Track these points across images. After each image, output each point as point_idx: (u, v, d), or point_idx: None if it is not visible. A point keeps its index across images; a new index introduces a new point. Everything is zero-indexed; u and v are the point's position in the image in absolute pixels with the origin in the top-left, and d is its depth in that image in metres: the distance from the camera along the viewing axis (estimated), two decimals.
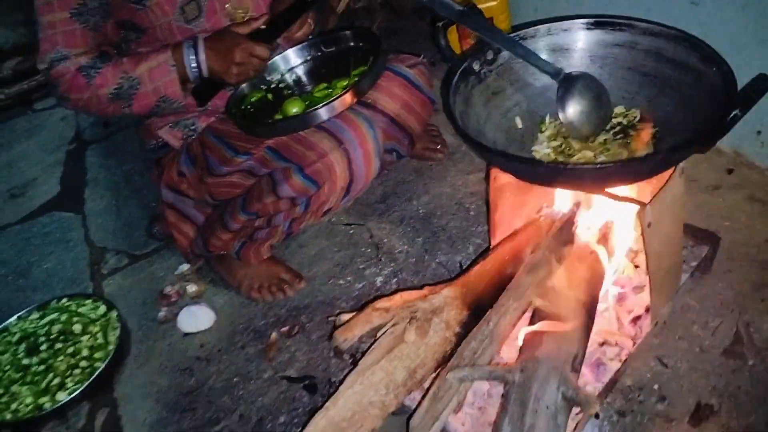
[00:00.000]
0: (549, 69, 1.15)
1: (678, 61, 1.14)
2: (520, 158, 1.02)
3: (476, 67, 1.20)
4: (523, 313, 1.08)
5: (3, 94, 2.83)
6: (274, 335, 1.49)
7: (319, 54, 1.59)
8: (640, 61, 1.19)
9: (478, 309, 1.13)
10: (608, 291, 1.23)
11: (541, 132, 1.22)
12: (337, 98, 1.32)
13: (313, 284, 1.60)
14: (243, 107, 1.50)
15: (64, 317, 1.60)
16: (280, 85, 1.55)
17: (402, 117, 1.53)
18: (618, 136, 1.15)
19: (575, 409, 1.09)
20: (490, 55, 1.21)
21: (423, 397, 1.01)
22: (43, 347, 1.53)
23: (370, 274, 1.59)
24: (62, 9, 1.29)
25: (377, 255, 1.64)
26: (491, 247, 1.27)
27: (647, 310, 1.18)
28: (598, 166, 1.01)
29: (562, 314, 1.02)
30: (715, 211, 1.47)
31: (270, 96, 1.53)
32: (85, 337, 1.55)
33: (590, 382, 1.14)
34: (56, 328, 1.57)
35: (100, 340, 1.54)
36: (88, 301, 1.66)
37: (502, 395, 1.01)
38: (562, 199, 1.22)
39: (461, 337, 1.11)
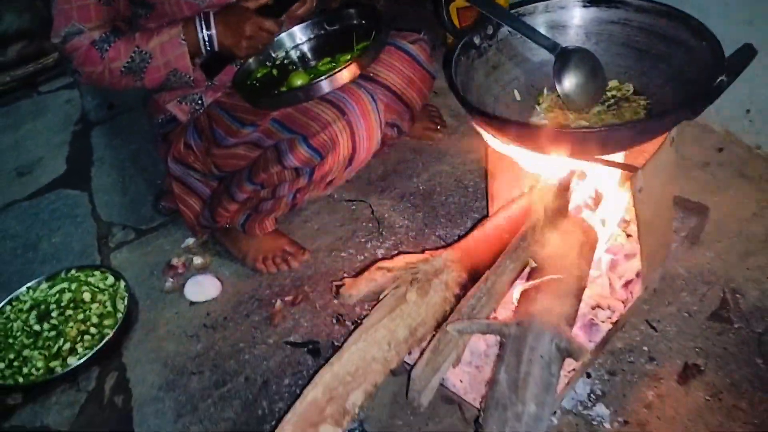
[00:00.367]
0: (546, 43, 1.20)
1: (669, 36, 1.19)
2: (518, 123, 1.07)
3: (477, 41, 1.25)
4: (520, 273, 1.13)
5: (9, 77, 2.86)
6: (278, 304, 1.54)
7: (323, 32, 1.64)
8: (633, 37, 1.25)
9: (476, 272, 1.18)
10: (601, 258, 1.29)
11: (539, 105, 1.27)
12: (339, 70, 1.36)
13: (316, 257, 1.65)
14: (249, 82, 1.55)
15: (73, 286, 1.65)
16: (285, 62, 1.60)
17: (403, 90, 1.59)
18: (612, 108, 1.21)
19: (567, 367, 1.15)
20: (490, 30, 1.26)
21: (424, 350, 1.06)
22: (54, 314, 1.58)
23: (372, 247, 1.64)
24: None
25: (378, 229, 1.69)
26: (489, 215, 1.32)
27: (638, 275, 1.23)
28: (593, 129, 1.06)
29: (557, 273, 1.07)
30: (704, 187, 1.52)
31: (275, 72, 1.57)
32: (94, 305, 1.59)
33: (583, 342, 1.19)
34: (66, 296, 1.62)
35: (109, 309, 1.59)
36: (97, 272, 1.70)
37: (499, 347, 1.06)
38: (557, 170, 1.27)
39: (460, 298, 1.16)
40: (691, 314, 1.28)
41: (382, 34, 1.47)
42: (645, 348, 1.24)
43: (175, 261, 1.72)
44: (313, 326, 1.47)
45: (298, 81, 1.46)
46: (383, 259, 1.25)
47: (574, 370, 1.16)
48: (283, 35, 1.62)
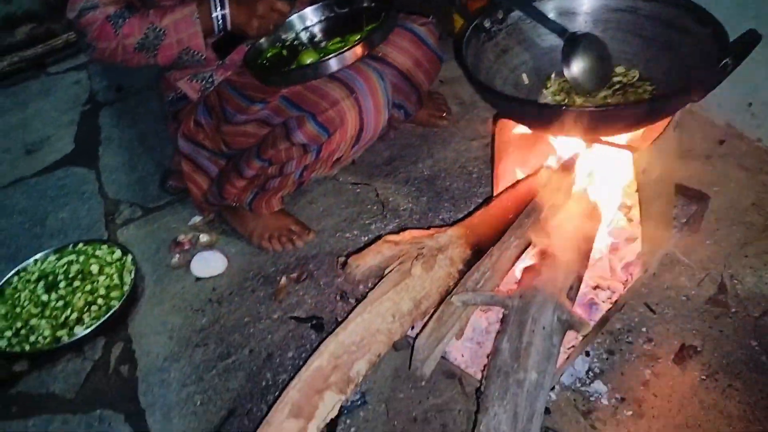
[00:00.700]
0: (556, 28, 1.23)
1: (675, 24, 1.22)
2: (526, 101, 1.09)
3: (487, 24, 1.28)
4: (524, 250, 1.16)
5: (17, 57, 2.88)
6: (283, 280, 1.56)
7: (333, 14, 1.66)
8: (641, 25, 1.27)
9: (480, 249, 1.20)
10: (602, 241, 1.31)
11: (546, 88, 1.29)
12: (348, 49, 1.39)
13: (321, 237, 1.68)
14: (259, 61, 1.57)
15: (81, 259, 1.67)
16: (295, 43, 1.62)
17: (411, 71, 1.62)
18: (618, 93, 1.23)
19: (566, 344, 1.18)
20: (500, 15, 1.29)
21: (427, 322, 1.09)
22: (62, 285, 1.60)
23: (376, 229, 1.66)
24: None
25: (383, 212, 1.71)
26: (494, 196, 1.34)
27: (638, 257, 1.26)
28: (600, 108, 1.09)
29: (560, 251, 1.10)
30: (706, 178, 1.55)
31: (285, 52, 1.60)
32: (101, 278, 1.62)
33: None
34: (74, 268, 1.64)
35: (116, 281, 1.61)
36: (104, 246, 1.73)
37: (500, 323, 1.09)
38: (562, 153, 1.30)
39: (464, 274, 1.18)
40: (689, 298, 1.30)
41: (391, 15, 1.50)
42: (643, 329, 1.26)
43: (181, 238, 1.74)
44: (317, 303, 1.50)
45: (308, 59, 1.48)
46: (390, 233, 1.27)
47: (573, 347, 1.18)
48: (294, 17, 1.64)
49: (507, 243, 1.14)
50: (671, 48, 1.23)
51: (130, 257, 1.68)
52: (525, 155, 1.33)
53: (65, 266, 1.65)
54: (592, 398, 1.17)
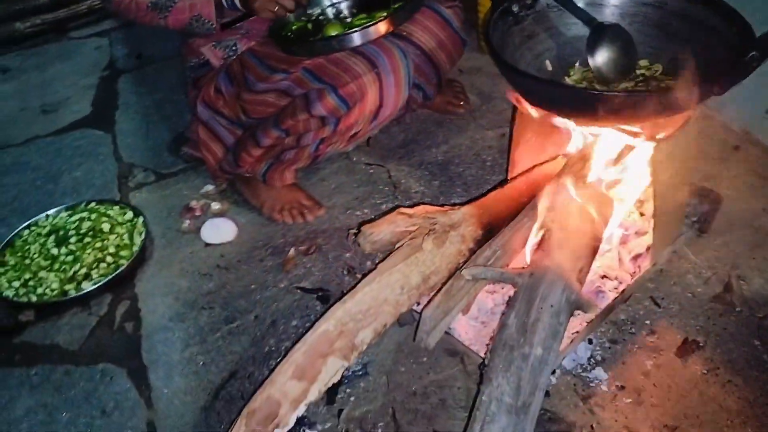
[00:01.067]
0: (583, 16, 1.24)
1: (702, 21, 1.22)
2: (551, 82, 1.10)
3: (515, 9, 1.29)
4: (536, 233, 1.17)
5: (40, 20, 2.90)
6: (291, 251, 1.57)
7: None
8: (667, 21, 1.28)
9: (492, 229, 1.22)
10: (613, 233, 1.32)
11: (569, 76, 1.30)
12: (373, 24, 1.40)
13: (331, 213, 1.69)
14: (284, 33, 1.58)
15: (93, 216, 1.69)
16: (321, 18, 1.63)
17: (434, 52, 1.64)
18: (640, 85, 1.24)
19: (570, 330, 1.19)
20: (529, 0, 1.30)
21: (436, 293, 1.10)
22: (72, 240, 1.62)
23: (387, 209, 1.67)
24: None
25: (394, 193, 1.72)
26: (508, 179, 1.35)
27: (648, 249, 1.27)
28: (626, 92, 1.09)
29: (572, 235, 1.11)
30: (719, 181, 1.55)
31: (310, 26, 1.61)
32: (112, 236, 1.63)
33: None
34: (86, 224, 1.66)
35: (126, 241, 1.63)
36: (116, 207, 1.74)
37: (506, 305, 1.10)
38: (580, 141, 1.31)
39: (474, 252, 1.19)
40: (695, 295, 1.31)
41: None
42: (647, 322, 1.27)
43: (193, 204, 1.75)
44: (324, 275, 1.51)
45: (333, 32, 1.49)
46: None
47: (577, 332, 1.19)
48: None
49: (519, 224, 1.15)
50: (697, 45, 1.23)
51: (141, 219, 1.69)
52: (543, 142, 1.34)
53: (77, 222, 1.67)
54: (592, 384, 1.18)
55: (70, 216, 1.71)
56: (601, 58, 1.22)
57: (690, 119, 1.17)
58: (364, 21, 1.53)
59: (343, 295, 1.43)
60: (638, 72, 1.26)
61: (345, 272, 1.50)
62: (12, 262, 1.60)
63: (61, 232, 1.65)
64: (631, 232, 1.33)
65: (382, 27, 1.41)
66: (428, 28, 1.63)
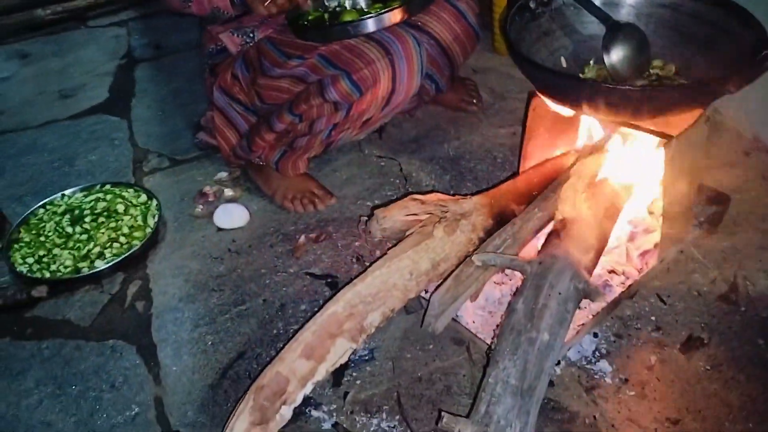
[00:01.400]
0: (600, 14, 1.26)
1: (717, 24, 1.24)
2: (567, 74, 1.12)
3: (532, 5, 1.31)
4: (546, 223, 1.19)
5: (61, 8, 2.94)
6: (302, 238, 1.59)
7: None
8: (682, 22, 1.30)
9: (502, 220, 1.23)
10: (621, 230, 1.34)
11: (584, 74, 1.32)
12: (387, 11, 1.42)
13: (342, 203, 1.71)
14: (300, 22, 1.60)
15: (108, 197, 1.71)
16: (337, 9, 1.65)
17: (448, 42, 1.68)
18: (654, 84, 1.26)
19: (576, 322, 1.20)
20: None
21: (446, 278, 1.11)
22: (87, 219, 1.64)
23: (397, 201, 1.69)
24: None
25: (405, 185, 1.74)
26: (520, 172, 1.37)
27: (656, 246, 1.28)
28: (640, 87, 1.11)
29: (582, 227, 1.12)
30: (728, 185, 1.55)
31: (327, 17, 1.63)
32: (126, 217, 1.65)
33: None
34: (101, 205, 1.68)
35: (140, 222, 1.65)
36: (131, 189, 1.77)
37: (516, 290, 1.11)
38: (593, 136, 1.33)
39: (484, 241, 1.21)
40: (700, 293, 1.32)
41: None
42: (652, 318, 1.28)
43: (206, 189, 1.78)
44: (333, 263, 1.52)
45: (348, 19, 1.51)
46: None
47: (582, 324, 1.21)
48: None
49: (530, 214, 1.17)
50: (711, 47, 1.25)
51: (155, 202, 1.71)
52: (555, 136, 1.36)
53: (92, 203, 1.70)
54: (596, 376, 1.19)
55: (86, 196, 1.74)
56: (616, 55, 1.24)
57: (702, 118, 1.18)
58: (379, 8, 1.55)
59: (352, 281, 1.47)
60: (652, 71, 1.28)
61: (354, 260, 1.52)
62: (27, 239, 1.63)
63: (77, 212, 1.67)
64: (639, 229, 1.35)
65: (398, 15, 1.44)
66: (443, 19, 1.67)
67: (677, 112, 1.10)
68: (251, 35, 1.62)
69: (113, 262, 1.54)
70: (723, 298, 1.30)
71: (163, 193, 1.80)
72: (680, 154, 1.15)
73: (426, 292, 1.28)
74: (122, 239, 1.60)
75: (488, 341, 1.20)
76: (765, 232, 1.44)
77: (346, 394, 1.23)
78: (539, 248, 1.16)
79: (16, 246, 1.62)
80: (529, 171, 1.30)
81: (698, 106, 1.12)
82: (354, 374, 1.26)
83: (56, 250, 1.58)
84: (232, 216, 1.68)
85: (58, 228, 1.64)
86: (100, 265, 1.54)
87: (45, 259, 1.57)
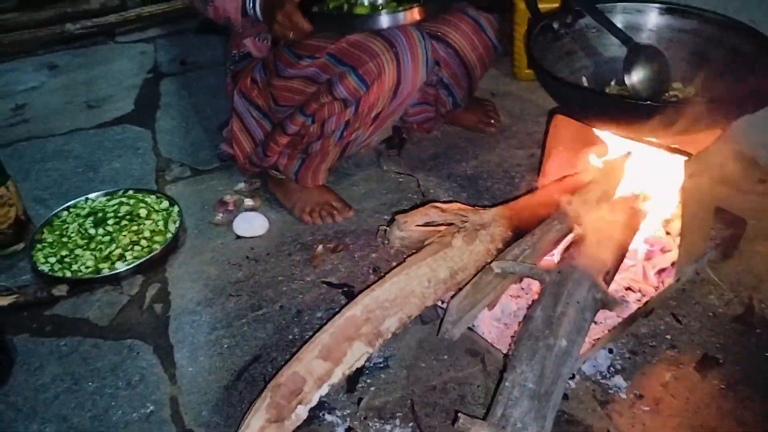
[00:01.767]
0: (621, 36, 1.29)
1: (736, 48, 1.27)
2: (593, 89, 1.15)
3: (556, 26, 1.35)
4: (565, 236, 1.20)
5: (90, 23, 3.02)
6: (319, 249, 1.61)
7: None
8: (702, 47, 1.33)
9: (521, 232, 1.25)
10: (638, 248, 1.35)
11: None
12: (403, 10, 1.46)
13: (360, 215, 1.73)
14: (314, 9, 1.59)
15: (131, 202, 1.75)
16: (357, 3, 1.67)
17: (465, 52, 1.73)
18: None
19: (591, 336, 1.21)
20: (569, 20, 1.36)
21: (465, 284, 1.13)
22: (110, 222, 1.67)
23: None
24: None
25: (422, 201, 1.77)
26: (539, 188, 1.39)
27: (673, 264, 1.29)
28: (664, 102, 1.14)
29: (600, 239, 1.14)
30: (743, 211, 1.57)
31: (345, 7, 1.64)
32: (148, 222, 1.68)
33: (610, 316, 1.25)
34: (124, 209, 1.72)
35: (161, 227, 1.68)
36: (153, 196, 1.80)
37: (533, 301, 1.13)
38: (613, 153, 1.35)
39: (501, 252, 1.23)
40: (716, 315, 1.33)
41: None
42: (668, 336, 1.29)
43: (227, 198, 1.81)
44: (350, 273, 1.54)
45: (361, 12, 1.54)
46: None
47: (597, 339, 1.21)
48: None
49: (549, 226, 1.19)
50: (730, 71, 1.28)
51: (176, 208, 1.74)
52: (575, 154, 1.38)
53: (115, 206, 1.73)
54: (611, 391, 1.19)
55: (109, 200, 1.77)
56: (637, 76, 1.27)
57: (721, 139, 1.20)
58: (395, 8, 1.56)
59: (370, 287, 1.48)
60: (671, 93, 1.31)
61: (371, 271, 1.54)
62: (49, 240, 1.66)
63: (100, 214, 1.71)
64: (656, 248, 1.36)
65: (416, 13, 1.47)
66: (462, 30, 1.72)
67: (698, 130, 1.13)
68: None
69: (133, 265, 1.56)
70: (738, 320, 1.31)
71: (184, 201, 1.83)
72: (699, 172, 1.17)
73: (442, 302, 1.30)
74: (143, 242, 1.63)
75: (503, 352, 1.20)
76: None
77: (360, 399, 1.23)
78: (556, 261, 1.17)
79: (38, 246, 1.65)
80: (549, 186, 1.32)
81: (718, 126, 1.14)
82: (368, 381, 1.27)
83: (78, 251, 1.61)
84: (251, 224, 1.70)
85: (81, 229, 1.67)
86: (121, 266, 1.56)
87: (67, 259, 1.59)
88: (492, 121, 2.02)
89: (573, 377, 1.21)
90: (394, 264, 1.53)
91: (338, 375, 1.11)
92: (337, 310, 1.43)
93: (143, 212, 1.71)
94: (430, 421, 1.18)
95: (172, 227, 1.68)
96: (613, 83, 1.35)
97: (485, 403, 1.20)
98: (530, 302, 1.30)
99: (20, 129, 2.34)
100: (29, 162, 2.11)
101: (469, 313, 1.12)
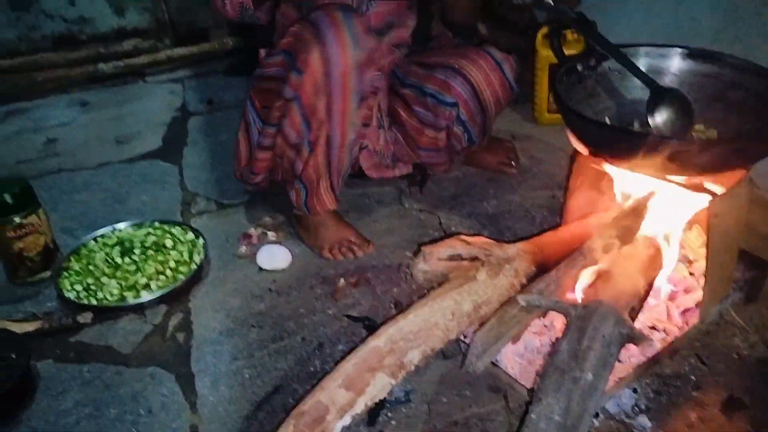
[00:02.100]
0: (645, 78, 1.32)
1: (759, 93, 1.30)
2: (616, 128, 1.18)
3: (580, 68, 1.38)
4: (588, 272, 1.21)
5: (122, 63, 3.13)
6: (341, 282, 1.63)
7: None
8: (725, 92, 1.36)
9: (544, 268, 1.26)
10: (661, 288, 1.35)
11: None
12: None
13: (380, 251, 1.75)
14: None
15: (158, 232, 1.78)
16: None
17: (481, 87, 1.77)
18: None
19: (615, 375, 1.20)
20: (592, 62, 1.39)
21: (489, 318, 1.13)
22: (137, 251, 1.70)
23: None
24: None
25: (444, 238, 1.78)
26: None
27: (697, 305, 1.29)
28: (692, 141, 1.16)
29: (625, 276, 1.15)
30: (765, 253, 1.57)
31: None
32: (173, 252, 1.71)
33: (635, 354, 1.24)
34: (151, 239, 1.75)
35: (186, 258, 1.70)
36: (179, 227, 1.83)
37: (556, 339, 1.13)
38: (636, 193, 1.36)
39: (525, 287, 1.24)
40: (741, 357, 1.32)
41: None
42: (692, 377, 1.27)
43: (251, 231, 1.84)
44: (371, 307, 1.55)
45: None
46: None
47: (621, 378, 1.20)
48: None
49: (574, 261, 1.19)
50: (752, 115, 1.30)
51: (201, 240, 1.77)
52: (598, 193, 1.40)
53: (142, 236, 1.76)
54: (635, 430, 1.17)
55: (136, 231, 1.81)
56: (660, 117, 1.29)
57: (744, 180, 1.22)
58: None
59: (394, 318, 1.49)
60: (694, 135, 1.33)
61: (392, 305, 1.55)
62: (76, 268, 1.69)
63: (127, 244, 1.74)
64: (679, 288, 1.36)
65: None
66: (480, 65, 1.76)
67: (723, 170, 1.14)
68: None
69: (158, 294, 1.58)
70: (764, 363, 1.29)
71: (208, 233, 1.86)
72: (723, 213, 1.18)
73: (464, 336, 1.30)
74: (168, 273, 1.65)
75: (527, 387, 1.20)
76: None
77: None
78: (580, 297, 1.18)
79: (65, 274, 1.68)
80: (573, 223, 1.33)
81: (742, 166, 1.16)
82: (389, 414, 1.26)
83: (104, 279, 1.63)
84: (274, 257, 1.73)
85: (107, 258, 1.70)
86: (146, 296, 1.58)
87: (93, 287, 1.62)
88: (512, 162, 2.05)
89: (597, 416, 1.20)
90: (416, 298, 1.55)
91: (361, 405, 1.11)
92: (358, 342, 1.44)
93: (169, 243, 1.73)
94: None
95: (197, 258, 1.71)
96: (636, 124, 1.38)
97: None
98: (553, 339, 1.30)
99: (51, 162, 2.41)
100: (58, 193, 2.17)
101: (493, 346, 1.12)
